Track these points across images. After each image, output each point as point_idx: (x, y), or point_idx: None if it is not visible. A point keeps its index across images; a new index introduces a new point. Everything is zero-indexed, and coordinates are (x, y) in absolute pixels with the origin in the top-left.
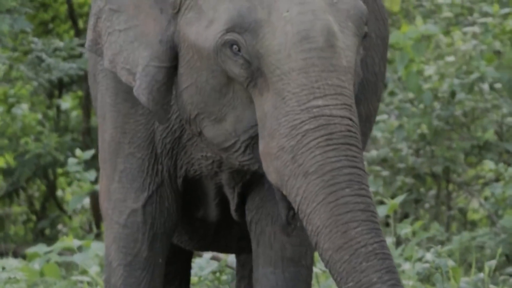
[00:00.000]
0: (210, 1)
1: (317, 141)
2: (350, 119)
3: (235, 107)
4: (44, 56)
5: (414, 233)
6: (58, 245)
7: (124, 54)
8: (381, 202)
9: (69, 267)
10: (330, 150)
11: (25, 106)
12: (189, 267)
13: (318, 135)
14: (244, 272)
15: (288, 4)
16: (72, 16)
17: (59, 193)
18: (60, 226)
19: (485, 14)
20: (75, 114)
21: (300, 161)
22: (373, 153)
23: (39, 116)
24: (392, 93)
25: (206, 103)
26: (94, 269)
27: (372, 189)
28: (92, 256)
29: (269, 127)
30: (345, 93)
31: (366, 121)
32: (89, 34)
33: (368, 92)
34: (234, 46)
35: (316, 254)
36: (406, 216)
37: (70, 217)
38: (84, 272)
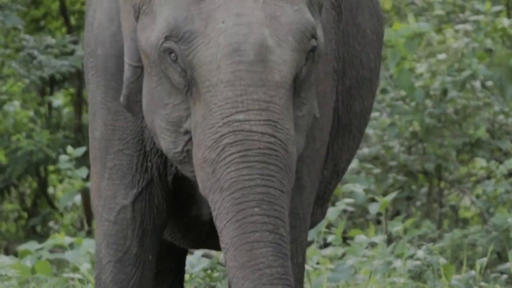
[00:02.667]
0: (161, 8)
1: (233, 157)
2: (273, 136)
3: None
4: (35, 53)
5: (405, 231)
6: (50, 242)
7: None
8: (373, 200)
9: (60, 264)
10: (244, 167)
11: (16, 103)
12: (183, 265)
13: (235, 151)
14: None
15: (226, 15)
16: (64, 13)
17: (50, 190)
18: (51, 223)
19: (477, 12)
20: (66, 111)
21: (218, 176)
22: (365, 150)
23: (31, 113)
24: (384, 91)
25: (156, 110)
26: (85, 266)
27: (363, 186)
28: (84, 253)
29: (197, 138)
30: (272, 109)
31: (361, 117)
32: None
33: (363, 88)
34: (172, 54)
35: (307, 252)
36: (397, 213)
37: (61, 214)
38: (75, 269)
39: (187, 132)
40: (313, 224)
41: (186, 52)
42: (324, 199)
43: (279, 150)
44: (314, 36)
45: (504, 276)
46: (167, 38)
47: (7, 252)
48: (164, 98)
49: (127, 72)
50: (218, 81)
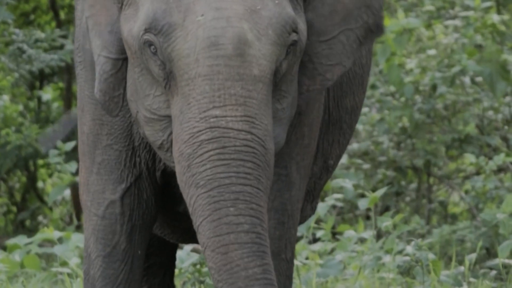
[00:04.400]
0: (143, 0)
1: (209, 154)
2: (250, 133)
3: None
4: (25, 47)
5: (394, 226)
6: (39, 236)
7: (88, 42)
8: (362, 195)
9: (49, 259)
10: (220, 165)
11: (6, 98)
12: (173, 259)
13: (211, 148)
14: None
15: (205, 8)
16: (54, 7)
17: (39, 184)
18: (40, 218)
19: (467, 8)
20: (56, 105)
21: (193, 171)
22: (354, 146)
23: (20, 107)
24: (373, 86)
25: (140, 101)
26: (74, 261)
27: (353, 181)
28: (73, 247)
29: (175, 131)
30: (249, 104)
31: (352, 113)
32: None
33: (354, 84)
34: (152, 47)
35: (296, 247)
36: (386, 209)
37: (50, 209)
38: (64, 264)
39: (170, 121)
40: (303, 220)
41: (164, 44)
42: (314, 195)
43: (256, 147)
44: (295, 30)
45: (493, 272)
46: (146, 31)
47: None
48: (146, 89)
49: (105, 66)
50: (196, 75)
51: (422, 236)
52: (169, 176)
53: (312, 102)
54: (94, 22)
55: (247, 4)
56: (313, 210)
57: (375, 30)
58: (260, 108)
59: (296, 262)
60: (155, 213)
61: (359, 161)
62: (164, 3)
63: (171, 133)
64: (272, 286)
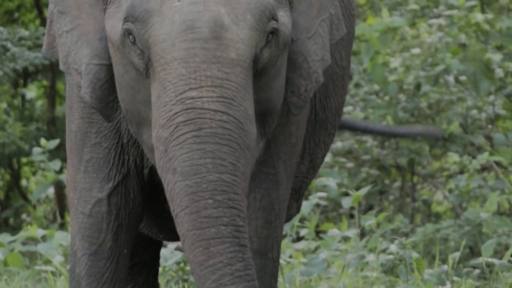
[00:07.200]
0: None
1: (186, 137)
2: (226, 114)
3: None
4: (9, 45)
5: (378, 225)
6: (22, 234)
7: (72, 55)
8: (346, 194)
9: (33, 257)
10: (196, 149)
11: None
12: (158, 258)
13: (187, 130)
14: None
15: None
16: (38, 5)
17: (23, 182)
18: (24, 216)
19: (451, 7)
20: (40, 103)
21: (170, 155)
22: (338, 144)
23: (4, 105)
24: (357, 85)
25: (127, 100)
26: (57, 259)
27: (336, 180)
28: (56, 245)
29: (153, 117)
30: (226, 86)
31: (336, 114)
32: (45, 38)
33: (337, 85)
34: (131, 36)
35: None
36: (370, 207)
37: (34, 207)
38: (47, 262)
39: None
40: (288, 218)
41: (142, 31)
42: (300, 193)
43: (233, 129)
44: (274, 18)
45: (477, 271)
46: (125, 20)
47: None
48: (132, 85)
49: (99, 73)
50: (172, 59)
51: (406, 235)
52: (157, 173)
53: None
54: (81, 33)
55: None
56: (299, 209)
57: (336, 22)
58: (239, 91)
59: (280, 261)
60: (141, 212)
61: (342, 159)
62: None
63: None
64: (254, 281)
